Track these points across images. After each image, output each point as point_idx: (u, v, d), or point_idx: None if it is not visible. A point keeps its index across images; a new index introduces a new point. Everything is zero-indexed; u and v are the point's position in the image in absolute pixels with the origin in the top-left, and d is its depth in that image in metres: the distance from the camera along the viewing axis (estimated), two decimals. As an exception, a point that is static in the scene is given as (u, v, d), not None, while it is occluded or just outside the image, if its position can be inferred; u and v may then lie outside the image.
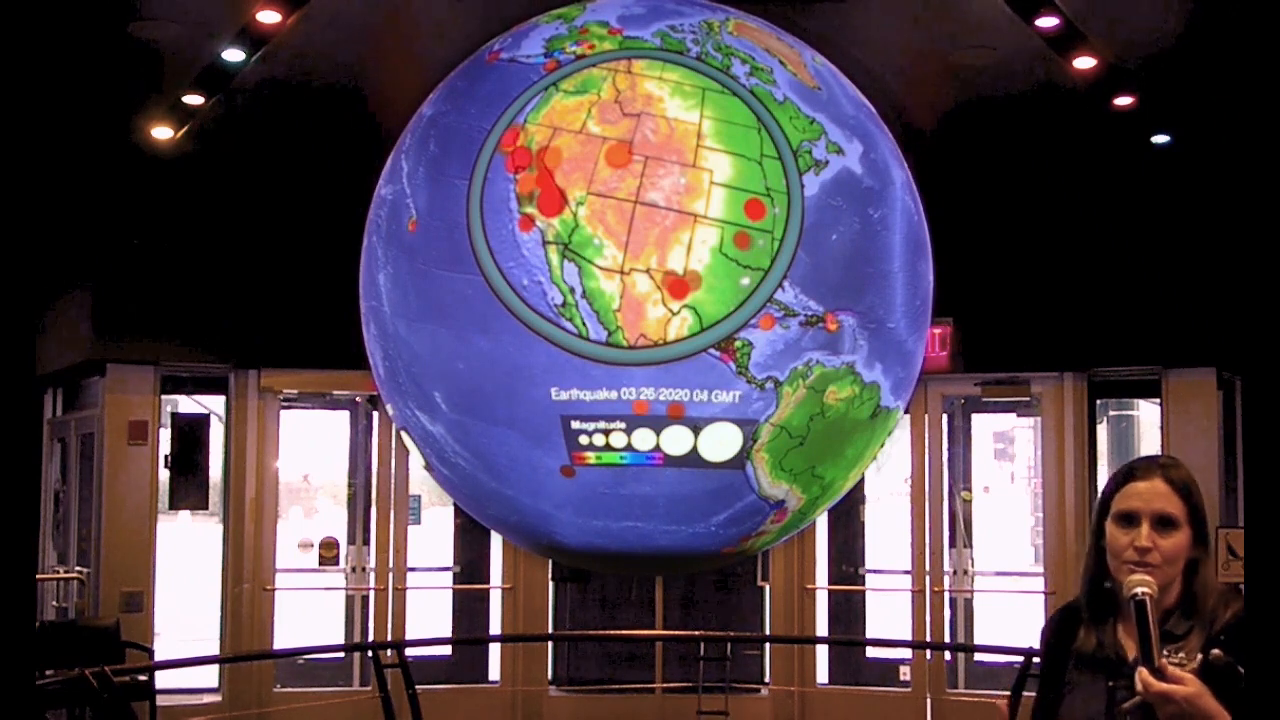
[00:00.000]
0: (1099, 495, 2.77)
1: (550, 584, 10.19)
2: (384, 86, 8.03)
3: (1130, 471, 2.70)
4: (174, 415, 10.02)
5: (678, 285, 3.68)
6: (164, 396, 9.93)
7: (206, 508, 10.49)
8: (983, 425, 11.75)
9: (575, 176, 3.73)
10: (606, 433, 3.81)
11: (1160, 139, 8.57)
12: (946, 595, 9.88)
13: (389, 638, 9.64)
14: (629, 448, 3.83)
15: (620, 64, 3.91)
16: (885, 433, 4.34)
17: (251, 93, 8.19)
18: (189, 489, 9.66)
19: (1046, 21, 7.08)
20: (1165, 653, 2.48)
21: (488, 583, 10.55)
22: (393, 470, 10.04)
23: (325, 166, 8.63)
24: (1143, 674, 2.43)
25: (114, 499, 9.37)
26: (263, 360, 9.79)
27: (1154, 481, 2.64)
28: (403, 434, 4.50)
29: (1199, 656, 2.46)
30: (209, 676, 9.88)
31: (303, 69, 8.00)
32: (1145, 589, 2.52)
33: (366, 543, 10.19)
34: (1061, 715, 2.62)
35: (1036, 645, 2.78)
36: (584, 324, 3.70)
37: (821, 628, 10.47)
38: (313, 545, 10.38)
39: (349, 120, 8.33)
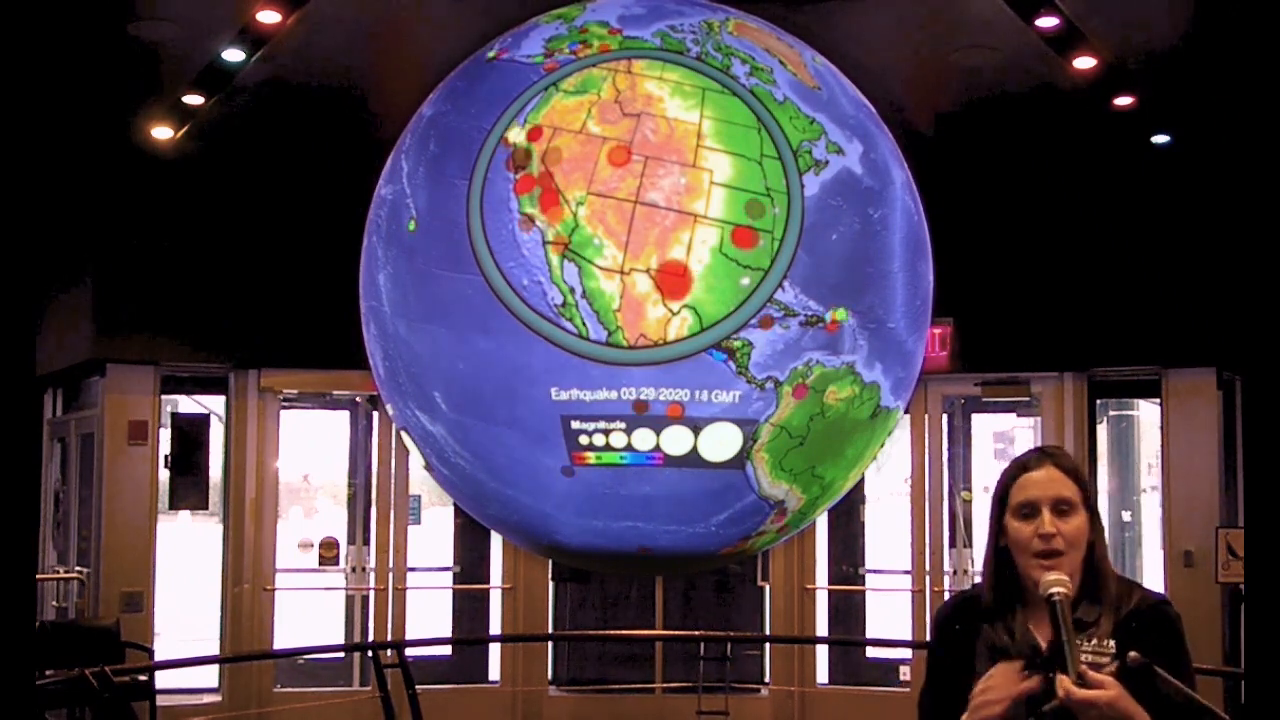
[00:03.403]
0: (992, 495, 2.77)
1: (550, 584, 10.19)
2: (384, 86, 8.03)
3: (1022, 465, 2.72)
4: (174, 415, 10.02)
5: (673, 278, 3.68)
6: (164, 396, 9.93)
7: (206, 508, 10.50)
8: (983, 425, 11.74)
9: (575, 176, 3.73)
10: (606, 433, 3.81)
11: (1160, 139, 8.57)
12: (946, 595, 9.88)
13: (389, 638, 9.64)
14: (629, 448, 3.82)
15: (620, 64, 3.91)
16: (885, 433, 4.34)
17: (251, 93, 8.19)
18: (189, 489, 9.67)
19: (1046, 21, 7.08)
20: (1078, 642, 2.50)
21: (488, 583, 10.55)
22: (393, 470, 10.05)
23: (325, 166, 8.63)
24: (1064, 682, 2.43)
25: (114, 499, 9.37)
26: (263, 360, 9.79)
27: (1047, 469, 2.67)
28: (403, 434, 4.50)
29: (1114, 662, 2.47)
30: (209, 676, 9.88)
31: (303, 69, 7.99)
32: (1061, 589, 2.53)
33: (366, 543, 10.19)
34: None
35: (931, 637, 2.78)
36: (584, 324, 3.70)
37: (821, 628, 10.47)
38: (313, 545, 10.39)
39: (349, 120, 8.34)
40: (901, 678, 9.92)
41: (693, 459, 3.84)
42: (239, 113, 8.46)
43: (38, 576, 9.73)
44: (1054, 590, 2.53)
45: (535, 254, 3.72)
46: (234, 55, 7.52)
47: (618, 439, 3.82)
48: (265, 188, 9.25)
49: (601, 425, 3.80)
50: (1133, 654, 2.45)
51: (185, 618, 13.49)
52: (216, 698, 9.63)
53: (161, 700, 8.89)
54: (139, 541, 9.42)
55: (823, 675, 10.22)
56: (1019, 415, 10.87)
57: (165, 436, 9.72)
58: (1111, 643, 2.47)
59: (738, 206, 3.72)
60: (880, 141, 4.16)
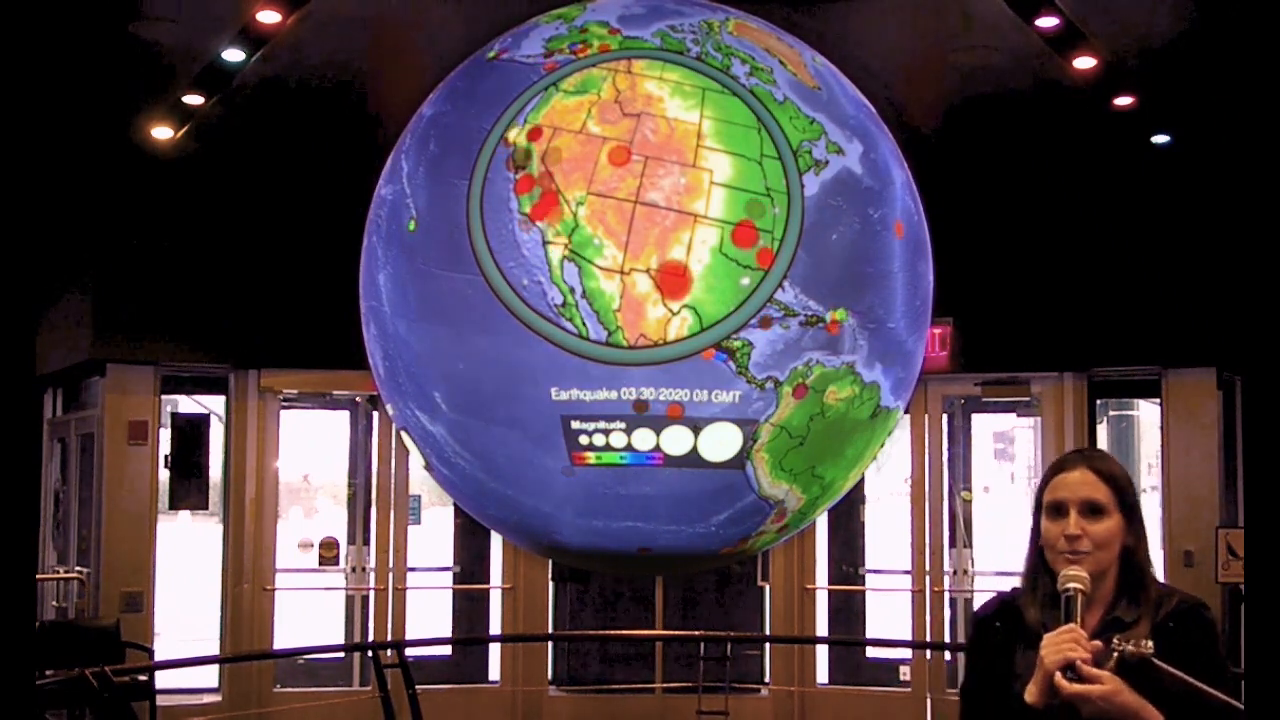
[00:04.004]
0: (1034, 494, 2.83)
1: (550, 584, 10.19)
2: (384, 86, 8.03)
3: (1059, 465, 2.76)
4: (174, 415, 10.02)
5: (673, 278, 3.68)
6: (164, 396, 9.93)
7: (206, 508, 10.50)
8: (983, 425, 11.74)
9: (575, 176, 3.73)
10: (606, 433, 3.81)
11: (1160, 139, 8.57)
12: (946, 595, 9.88)
13: (389, 638, 9.64)
14: (629, 448, 3.82)
15: (620, 64, 3.91)
16: (885, 433, 4.34)
17: (251, 93, 8.19)
18: (189, 489, 9.67)
19: (1046, 21, 7.09)
20: (1116, 640, 2.53)
21: (488, 583, 10.55)
22: (393, 470, 10.04)
23: (325, 166, 8.63)
24: (1057, 676, 2.47)
25: (114, 499, 9.37)
26: (263, 360, 9.79)
27: (1080, 471, 2.71)
28: (403, 434, 4.50)
29: (1114, 656, 2.49)
30: (209, 676, 9.88)
31: (303, 69, 8.00)
32: (1077, 584, 2.58)
33: (366, 543, 10.19)
34: (1015, 698, 2.63)
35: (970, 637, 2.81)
36: (584, 324, 3.70)
37: (821, 628, 10.47)
38: (313, 545, 10.39)
39: (349, 120, 8.34)
40: (901, 678, 9.92)
41: (693, 459, 3.84)
42: (239, 113, 8.46)
43: (38, 576, 9.73)
44: (1070, 585, 2.58)
45: (535, 254, 3.72)
46: (234, 55, 7.52)
47: (618, 439, 3.82)
48: (265, 188, 9.25)
49: (601, 425, 3.80)
50: (1130, 646, 2.48)
51: (185, 618, 13.49)
52: (216, 698, 9.63)
53: (161, 700, 8.89)
54: (139, 541, 9.41)
55: (823, 675, 10.22)
56: (1019, 415, 10.87)
57: (165, 436, 9.72)
58: (1150, 642, 2.50)
59: (738, 206, 3.72)
60: (880, 141, 4.16)
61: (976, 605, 10.06)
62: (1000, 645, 2.73)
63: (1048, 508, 2.71)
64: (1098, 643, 2.54)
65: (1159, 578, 2.77)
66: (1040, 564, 2.73)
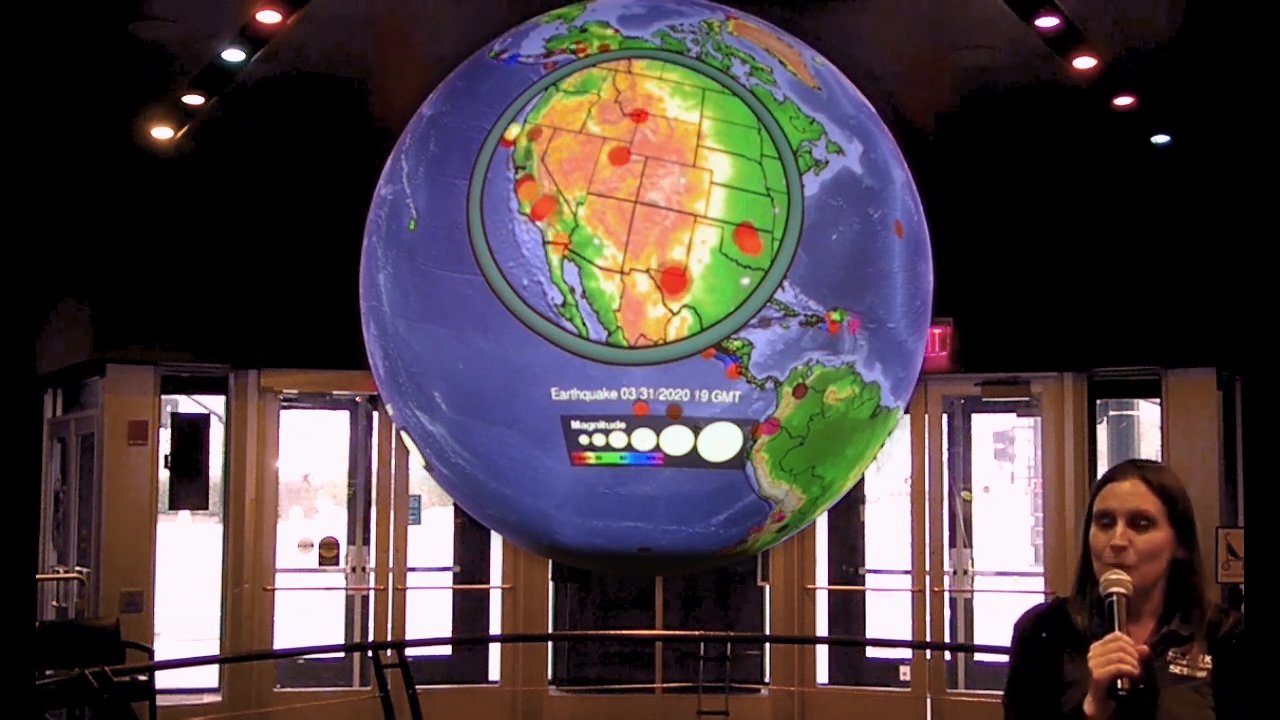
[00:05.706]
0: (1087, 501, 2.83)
1: (550, 584, 10.20)
2: (384, 86, 8.04)
3: (1110, 475, 2.76)
4: (174, 415, 10.02)
5: (673, 278, 3.68)
6: (164, 396, 9.94)
7: (206, 508, 10.50)
8: (983, 425, 11.74)
9: (575, 176, 3.73)
10: (606, 433, 3.81)
11: (1160, 139, 8.57)
12: (946, 595, 9.88)
13: (389, 638, 9.64)
14: (629, 448, 3.82)
15: (620, 64, 3.91)
16: (885, 433, 4.34)
17: (251, 93, 8.19)
18: (189, 489, 9.67)
19: (1046, 21, 7.09)
20: (1170, 654, 2.55)
21: (488, 583, 10.55)
22: (393, 470, 10.05)
23: (325, 166, 8.63)
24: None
25: (114, 499, 9.37)
26: (263, 360, 9.80)
27: (1132, 482, 2.70)
28: (403, 434, 4.50)
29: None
30: (209, 676, 9.89)
31: (303, 69, 8.00)
32: (1119, 589, 2.59)
33: (366, 543, 10.20)
34: (1064, 705, 2.64)
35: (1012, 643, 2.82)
36: (584, 324, 3.69)
37: (821, 628, 10.47)
38: (313, 545, 10.39)
39: (349, 120, 8.34)
40: (902, 678, 9.92)
41: (693, 459, 3.84)
42: (239, 113, 8.46)
43: (38, 576, 9.73)
44: (1113, 590, 2.58)
45: (535, 254, 3.72)
46: (234, 55, 7.52)
47: (618, 439, 3.82)
48: (265, 188, 9.25)
49: (601, 425, 3.80)
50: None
51: (185, 618, 13.49)
52: (216, 698, 9.64)
53: (161, 700, 8.89)
54: (139, 541, 9.42)
55: (823, 675, 10.22)
56: (1019, 415, 10.88)
57: (165, 436, 9.72)
58: (1208, 658, 2.52)
59: (738, 206, 3.72)
60: (880, 141, 4.16)
61: (977, 605, 10.10)
62: (1045, 655, 2.73)
63: (1097, 517, 2.70)
64: (1144, 647, 2.54)
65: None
66: (1088, 572, 2.73)
